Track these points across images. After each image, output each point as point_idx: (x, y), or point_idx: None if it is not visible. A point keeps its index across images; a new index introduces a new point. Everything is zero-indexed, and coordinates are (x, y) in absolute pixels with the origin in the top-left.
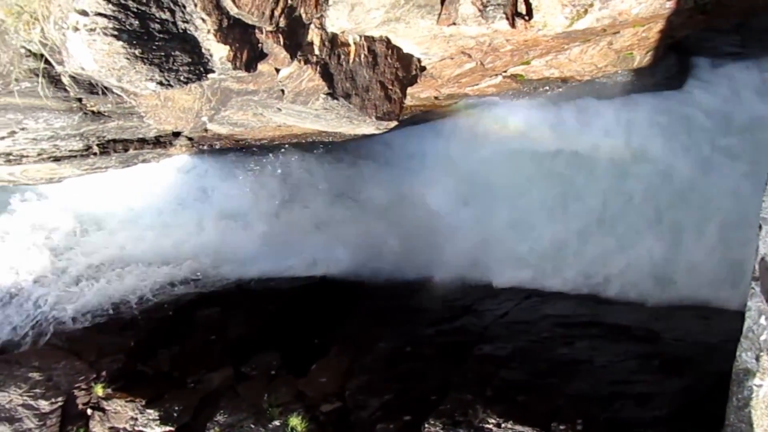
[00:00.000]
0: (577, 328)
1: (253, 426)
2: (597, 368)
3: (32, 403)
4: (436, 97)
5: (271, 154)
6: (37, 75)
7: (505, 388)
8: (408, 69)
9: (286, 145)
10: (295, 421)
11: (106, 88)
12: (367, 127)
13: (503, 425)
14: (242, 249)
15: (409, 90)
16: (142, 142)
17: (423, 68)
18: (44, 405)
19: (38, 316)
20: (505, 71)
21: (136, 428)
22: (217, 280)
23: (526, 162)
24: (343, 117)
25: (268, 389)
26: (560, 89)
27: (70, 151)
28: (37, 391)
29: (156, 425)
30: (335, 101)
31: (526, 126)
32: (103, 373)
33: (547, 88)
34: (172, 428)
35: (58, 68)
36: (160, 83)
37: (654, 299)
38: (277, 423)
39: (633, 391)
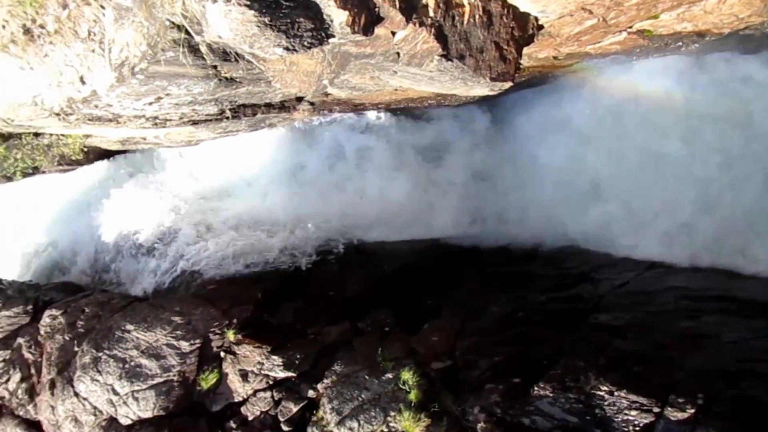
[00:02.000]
0: (704, 301)
1: (367, 377)
2: (725, 344)
3: (174, 343)
4: (554, 57)
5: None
6: (179, 45)
7: (619, 358)
8: (524, 28)
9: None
10: (406, 375)
11: (238, 55)
12: (481, 88)
13: (616, 393)
14: (366, 212)
15: (526, 50)
16: (269, 106)
17: (540, 27)
18: (185, 345)
19: (180, 267)
20: (630, 27)
21: (263, 372)
22: (340, 241)
23: (658, 125)
24: (457, 78)
25: (382, 344)
26: (695, 45)
27: (206, 115)
28: (179, 333)
29: (280, 370)
30: (449, 63)
31: (657, 86)
32: (234, 321)
33: (680, 44)
34: (293, 374)
35: (197, 38)
36: (287, 48)
37: None
38: (389, 375)
39: (766, 369)
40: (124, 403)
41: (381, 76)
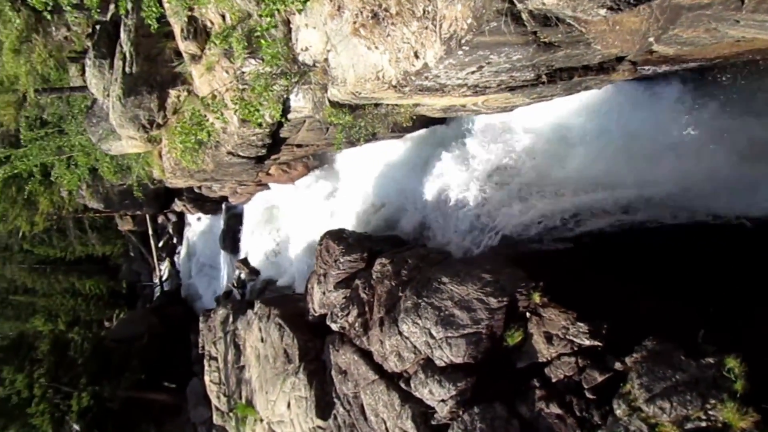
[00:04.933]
0: None
1: (683, 358)
2: None
3: (484, 298)
4: None
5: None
6: (503, 14)
7: None
8: None
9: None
10: (732, 362)
11: (558, 19)
12: None
13: None
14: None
15: None
16: (586, 69)
17: None
18: (493, 302)
19: (491, 228)
20: None
21: (567, 337)
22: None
23: None
24: None
25: (703, 326)
26: None
27: (522, 81)
28: (488, 289)
29: (585, 338)
30: None
31: None
32: (540, 284)
33: None
34: (600, 343)
35: (519, 6)
36: (611, 8)
37: None
38: (710, 360)
39: None
40: (439, 346)
41: (719, 27)
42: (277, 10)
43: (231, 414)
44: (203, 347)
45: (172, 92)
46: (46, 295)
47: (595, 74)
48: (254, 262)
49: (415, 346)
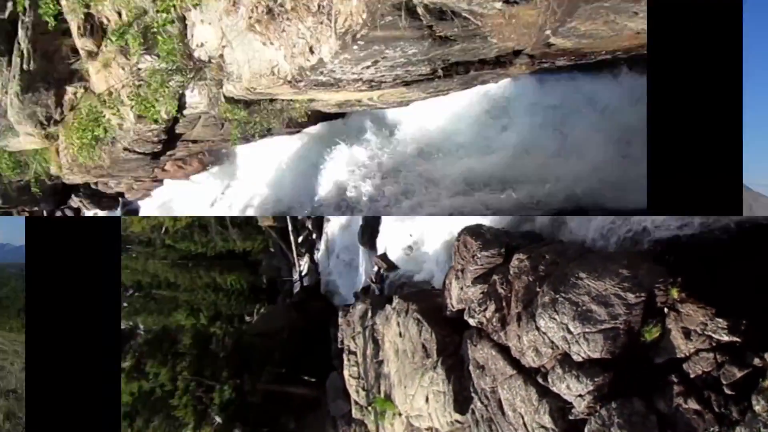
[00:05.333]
0: None
1: None
2: None
3: (621, 294)
4: None
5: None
6: (399, 9)
7: None
8: None
9: None
10: None
11: (454, 12)
12: None
13: None
14: None
15: None
16: (483, 62)
17: None
18: (631, 297)
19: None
20: None
21: (706, 332)
22: None
23: None
24: None
25: None
26: None
27: (418, 75)
28: (626, 285)
29: (724, 334)
30: None
31: None
32: (679, 279)
33: None
34: (738, 339)
35: (415, 0)
36: (507, 1)
37: None
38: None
39: None
40: (576, 341)
41: (617, 19)
42: (174, 5)
43: (370, 408)
44: (342, 342)
45: (69, 89)
46: (188, 289)
47: (492, 68)
48: (392, 258)
49: (552, 341)
